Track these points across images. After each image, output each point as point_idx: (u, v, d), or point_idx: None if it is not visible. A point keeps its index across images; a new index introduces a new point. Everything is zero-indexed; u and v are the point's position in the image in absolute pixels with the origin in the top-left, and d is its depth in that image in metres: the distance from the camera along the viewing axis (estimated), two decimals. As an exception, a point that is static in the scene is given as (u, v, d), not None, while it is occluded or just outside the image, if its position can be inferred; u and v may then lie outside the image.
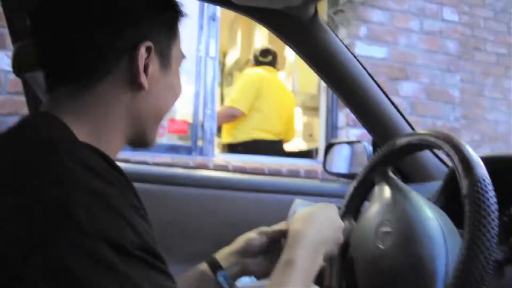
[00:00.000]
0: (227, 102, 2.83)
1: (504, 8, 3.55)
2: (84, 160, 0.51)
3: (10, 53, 2.09)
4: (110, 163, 0.53)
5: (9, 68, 2.08)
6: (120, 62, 0.61)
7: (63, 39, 0.61)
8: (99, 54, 0.61)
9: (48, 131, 0.55)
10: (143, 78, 0.62)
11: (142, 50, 0.61)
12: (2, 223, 0.47)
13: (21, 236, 0.46)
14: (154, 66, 0.64)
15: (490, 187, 0.60)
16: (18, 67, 0.96)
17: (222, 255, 0.83)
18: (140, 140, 0.69)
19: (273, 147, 2.90)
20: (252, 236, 0.83)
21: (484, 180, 0.60)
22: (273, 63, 3.06)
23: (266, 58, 3.04)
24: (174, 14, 0.68)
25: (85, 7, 0.61)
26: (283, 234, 0.78)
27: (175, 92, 0.70)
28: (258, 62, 3.06)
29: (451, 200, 0.91)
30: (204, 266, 0.82)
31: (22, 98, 2.12)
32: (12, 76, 2.15)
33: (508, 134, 3.43)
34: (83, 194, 0.48)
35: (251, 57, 3.18)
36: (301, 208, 0.80)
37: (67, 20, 0.61)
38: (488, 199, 0.58)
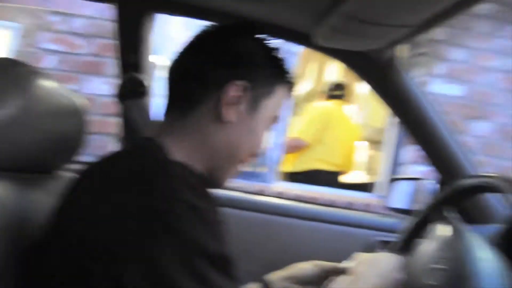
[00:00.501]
0: (294, 133, 2.90)
1: None
2: (186, 179, 0.59)
3: (104, 79, 2.35)
4: (203, 182, 0.63)
5: (101, 92, 2.33)
6: (211, 94, 0.71)
7: (180, 73, 0.75)
8: (197, 84, 0.72)
9: (158, 153, 0.64)
10: (226, 111, 0.70)
11: (231, 87, 0.70)
12: (111, 222, 0.55)
13: (122, 240, 0.54)
14: (243, 106, 0.72)
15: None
16: (123, 94, 1.11)
17: (275, 277, 0.90)
18: (213, 177, 0.75)
19: (332, 178, 2.93)
20: (306, 266, 0.90)
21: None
22: (343, 96, 3.10)
23: (337, 91, 3.10)
24: (273, 74, 0.76)
25: (206, 45, 0.75)
26: (338, 272, 0.84)
27: (254, 138, 0.75)
28: (329, 96, 3.12)
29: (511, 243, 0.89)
30: (256, 286, 0.90)
31: (109, 119, 2.34)
32: (104, 99, 2.39)
33: None
34: (183, 207, 0.55)
35: (323, 90, 3.25)
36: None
37: (186, 58, 0.75)
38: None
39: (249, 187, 2.51)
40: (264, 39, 0.78)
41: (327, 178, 2.92)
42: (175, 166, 0.62)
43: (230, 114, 0.71)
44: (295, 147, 2.96)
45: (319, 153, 2.93)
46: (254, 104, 0.73)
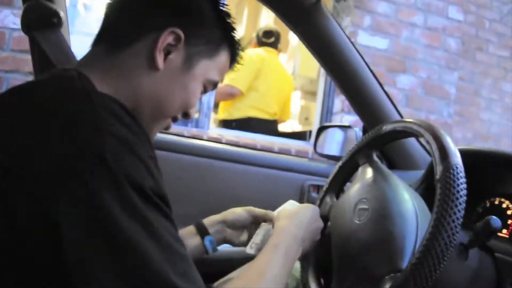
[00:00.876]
0: (226, 81, 2.86)
1: (510, 11, 3.56)
2: (113, 110, 0.55)
3: (16, 11, 2.13)
4: (132, 116, 0.58)
5: (14, 26, 2.12)
6: (146, 37, 0.67)
7: (122, 8, 0.70)
8: (131, 23, 0.68)
9: (80, 83, 0.59)
10: (159, 59, 0.67)
11: (170, 34, 0.67)
12: (32, 160, 0.51)
13: (52, 173, 0.50)
14: (176, 58, 0.69)
15: (462, 174, 0.65)
16: (27, 25, 0.98)
17: (210, 221, 0.93)
18: None
19: (267, 126, 2.95)
20: (240, 211, 0.94)
21: (457, 167, 0.65)
22: (275, 45, 3.08)
23: (269, 39, 3.06)
24: (218, 37, 0.73)
25: None
26: (267, 219, 0.91)
27: (186, 95, 0.71)
28: (260, 43, 3.07)
29: (431, 188, 0.96)
30: (191, 229, 0.91)
31: (24, 56, 2.15)
32: (16, 34, 2.18)
33: (500, 135, 3.48)
34: (113, 140, 0.52)
35: (254, 37, 3.19)
36: (290, 207, 0.91)
37: None
38: (458, 185, 0.63)
39: (184, 132, 2.48)
40: (221, 1, 0.75)
41: (262, 126, 2.93)
42: (101, 96, 0.58)
43: (161, 61, 0.67)
44: (228, 95, 2.92)
45: (253, 100, 2.93)
46: (190, 60, 0.70)
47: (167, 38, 0.67)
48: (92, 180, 0.49)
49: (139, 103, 0.68)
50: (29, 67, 2.01)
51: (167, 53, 0.68)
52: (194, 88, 0.72)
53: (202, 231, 0.91)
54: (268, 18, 4.40)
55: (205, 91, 0.76)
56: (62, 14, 0.98)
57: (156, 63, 0.67)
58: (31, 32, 0.98)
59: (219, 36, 0.74)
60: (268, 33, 3.07)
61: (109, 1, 0.72)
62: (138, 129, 0.57)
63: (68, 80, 0.60)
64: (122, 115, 0.56)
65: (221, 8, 0.75)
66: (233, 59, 0.79)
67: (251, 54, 3.02)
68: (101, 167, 0.50)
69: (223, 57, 0.75)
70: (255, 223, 0.93)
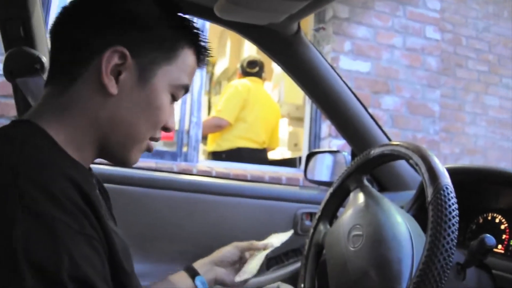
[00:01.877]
0: (214, 113, 2.88)
1: (486, 27, 3.66)
2: (45, 183, 0.51)
3: (1, 57, 2.14)
4: (77, 184, 0.54)
5: (-2, 72, 2.13)
6: (90, 65, 0.62)
7: (58, 38, 0.66)
8: (76, 53, 0.63)
9: (20, 148, 0.54)
10: (110, 83, 0.61)
11: (112, 54, 0.61)
12: None
13: None
14: (128, 76, 0.63)
15: (452, 195, 0.65)
16: (10, 72, 0.98)
17: (199, 264, 0.95)
18: (112, 156, 0.67)
19: (256, 155, 2.96)
20: (227, 248, 0.96)
21: (447, 188, 0.65)
22: (259, 74, 3.12)
23: (253, 69, 3.10)
24: (170, 36, 0.66)
25: (81, 9, 0.65)
26: (252, 249, 0.95)
27: (152, 111, 0.65)
28: (245, 73, 3.11)
29: (423, 208, 0.96)
30: (181, 273, 0.92)
31: (9, 101, 2.15)
32: (0, 79, 2.18)
33: (487, 148, 3.52)
34: (28, 218, 0.47)
35: (238, 68, 3.23)
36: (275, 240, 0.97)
37: (65, 20, 0.65)
38: (449, 206, 0.63)
39: (173, 167, 2.47)
40: None
41: (252, 155, 2.93)
42: (35, 161, 0.53)
43: (112, 85, 0.62)
44: (216, 127, 2.93)
45: (241, 131, 2.94)
46: (144, 73, 0.64)
47: (111, 60, 0.61)
48: None
49: (105, 135, 0.64)
50: (14, 111, 2.00)
51: (118, 74, 0.62)
52: (160, 102, 0.66)
53: (193, 273, 0.91)
54: (251, 49, 4.47)
55: (175, 98, 0.69)
56: (44, 59, 0.98)
57: (108, 89, 0.61)
58: (14, 79, 0.98)
59: (172, 35, 0.67)
60: (252, 63, 3.12)
61: (50, 31, 0.67)
62: (73, 203, 0.52)
63: (3, 144, 0.55)
64: (55, 189, 0.51)
65: (163, 3, 0.67)
66: (200, 53, 0.72)
67: (237, 85, 3.06)
68: (5, 249, 0.46)
69: (185, 56, 0.68)
70: (242, 257, 0.96)
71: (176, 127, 2.71)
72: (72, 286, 0.48)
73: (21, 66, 0.97)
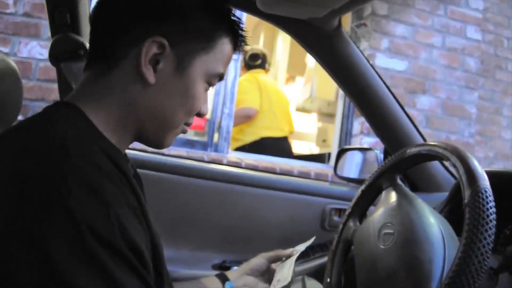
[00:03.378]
0: (238, 105, 2.90)
1: (528, 29, 3.54)
2: (91, 158, 0.53)
3: (42, 42, 2.21)
4: (116, 163, 0.56)
5: (40, 57, 2.19)
6: (131, 52, 0.63)
7: (99, 24, 0.67)
8: (113, 40, 0.64)
9: (65, 127, 0.56)
10: (148, 73, 0.62)
11: (152, 45, 0.62)
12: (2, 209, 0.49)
13: (12, 222, 0.48)
14: (167, 65, 0.64)
15: (490, 198, 0.63)
16: (55, 57, 1.02)
17: (230, 271, 0.98)
18: (148, 140, 0.69)
19: (280, 144, 2.96)
20: (256, 260, 0.98)
21: (486, 191, 0.64)
22: (263, 65, 3.16)
23: (256, 61, 3.13)
24: (209, 27, 0.67)
25: None
26: (281, 256, 0.97)
27: (188, 99, 0.67)
28: (248, 66, 3.15)
29: (455, 210, 0.95)
30: (212, 277, 0.95)
31: (50, 85, 2.22)
32: (42, 64, 2.25)
33: (522, 154, 3.42)
34: (80, 187, 0.50)
35: (241, 61, 3.26)
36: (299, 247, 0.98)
37: (106, 7, 0.66)
38: (487, 209, 0.62)
39: (203, 157, 2.50)
40: None
41: (276, 144, 2.93)
42: (80, 139, 0.55)
43: (151, 75, 0.63)
44: (246, 117, 2.93)
45: (261, 121, 2.95)
46: (182, 63, 0.65)
47: (150, 49, 0.62)
48: (51, 233, 0.47)
49: (142, 122, 0.65)
50: (55, 95, 2.08)
51: (156, 64, 0.63)
52: (195, 90, 0.67)
53: (223, 278, 0.94)
54: (284, 42, 4.46)
55: (210, 85, 0.70)
56: (87, 46, 1.02)
57: (146, 78, 0.62)
58: (58, 63, 1.01)
59: (210, 25, 0.67)
60: (254, 56, 3.15)
61: (92, 14, 0.68)
62: (117, 176, 0.54)
63: (49, 124, 0.57)
64: (101, 163, 0.53)
65: None
66: (237, 41, 0.72)
67: (246, 78, 3.08)
68: (63, 218, 0.48)
69: (222, 45, 0.68)
70: (270, 267, 0.98)
71: (208, 116, 2.74)
72: (127, 251, 0.50)
73: (66, 52, 1.00)
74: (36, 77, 2.18)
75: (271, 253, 0.99)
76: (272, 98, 3.02)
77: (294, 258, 0.94)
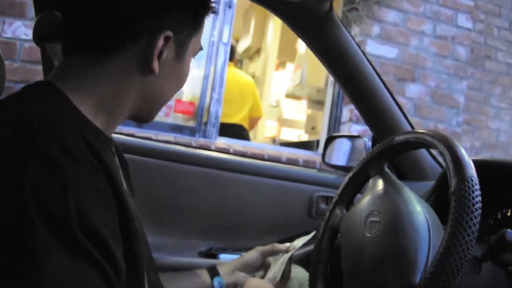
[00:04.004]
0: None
1: (519, 18, 3.55)
2: (60, 138, 0.51)
3: (27, 22, 2.16)
4: (92, 147, 0.55)
5: (25, 37, 2.14)
6: (138, 43, 0.63)
7: (93, 9, 0.63)
8: (122, 30, 0.63)
9: (39, 106, 0.56)
10: (155, 64, 0.63)
11: (161, 39, 0.63)
12: None
13: None
14: (169, 54, 0.65)
15: (476, 187, 0.63)
16: (39, 36, 0.99)
17: (222, 265, 0.95)
18: (141, 118, 0.71)
19: (235, 130, 3.01)
20: (250, 254, 0.96)
21: (472, 180, 0.64)
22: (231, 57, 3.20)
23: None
24: (202, 9, 0.69)
25: None
26: (275, 251, 0.94)
27: (182, 80, 0.71)
28: None
29: (442, 199, 0.95)
30: (203, 270, 0.93)
31: (35, 67, 2.18)
32: (27, 45, 2.20)
33: (509, 144, 3.45)
34: (39, 166, 0.48)
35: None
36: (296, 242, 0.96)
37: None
38: (473, 198, 0.62)
39: (191, 143, 2.49)
40: None
41: (230, 130, 2.98)
42: (53, 119, 0.54)
43: (157, 66, 0.64)
44: None
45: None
46: (181, 48, 0.67)
47: (159, 43, 0.63)
48: (1, 212, 0.46)
49: (139, 106, 0.67)
50: (40, 77, 2.03)
51: (161, 54, 0.64)
52: (188, 69, 0.71)
53: (213, 273, 0.92)
54: (275, 28, 4.42)
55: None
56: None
57: (153, 68, 0.64)
58: (43, 44, 0.98)
59: (202, 9, 0.69)
60: None
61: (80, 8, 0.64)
62: (89, 160, 0.53)
63: (24, 102, 0.57)
64: (70, 143, 0.52)
65: None
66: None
67: None
68: (15, 198, 0.47)
69: (203, 24, 0.71)
70: (266, 261, 0.95)
71: (197, 101, 2.72)
72: (81, 236, 0.47)
73: (51, 31, 0.97)
74: (20, 58, 2.13)
75: (267, 247, 0.96)
76: (231, 89, 3.03)
77: (288, 255, 0.92)
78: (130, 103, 0.66)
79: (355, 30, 2.94)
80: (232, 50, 3.16)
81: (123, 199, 0.58)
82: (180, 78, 0.70)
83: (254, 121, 3.35)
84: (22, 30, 2.12)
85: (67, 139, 0.52)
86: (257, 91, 3.37)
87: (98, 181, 0.53)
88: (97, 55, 0.63)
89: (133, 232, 0.59)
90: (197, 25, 0.69)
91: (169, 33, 0.63)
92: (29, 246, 0.45)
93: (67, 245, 0.47)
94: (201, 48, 0.73)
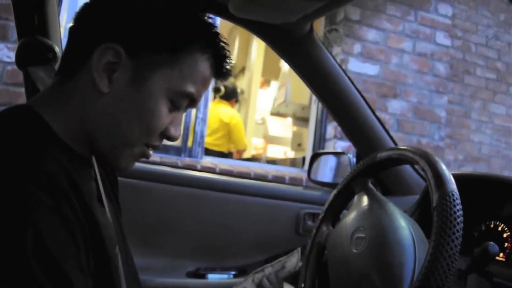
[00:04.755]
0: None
1: (496, 35, 3.65)
2: (29, 163, 0.51)
3: (10, 45, 2.15)
4: (67, 174, 0.54)
5: (8, 60, 2.13)
6: (87, 59, 0.60)
7: (70, 31, 0.64)
8: (75, 47, 0.63)
9: (14, 130, 0.55)
10: (98, 77, 0.59)
11: (105, 51, 0.59)
12: None
13: None
14: (122, 75, 0.60)
15: (457, 201, 0.65)
16: (22, 60, 0.99)
17: None
18: (102, 155, 0.65)
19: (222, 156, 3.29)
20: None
21: (453, 194, 0.65)
22: (226, 98, 3.59)
23: (219, 93, 3.56)
24: (175, 37, 0.62)
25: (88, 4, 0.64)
26: None
27: (143, 116, 0.61)
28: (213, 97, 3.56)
29: (426, 213, 0.96)
30: None
31: (18, 89, 2.16)
32: (10, 67, 2.19)
33: (491, 156, 3.52)
34: (2, 192, 0.48)
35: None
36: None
37: (78, 14, 0.64)
38: (455, 212, 0.63)
39: (177, 163, 2.48)
40: None
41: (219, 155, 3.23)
42: (26, 143, 0.54)
43: (103, 83, 0.59)
44: None
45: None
46: (140, 75, 0.60)
47: (103, 56, 0.59)
48: None
49: (94, 132, 0.61)
50: (22, 99, 2.01)
51: (112, 72, 0.60)
52: (154, 107, 0.61)
53: None
54: (259, 47, 4.47)
55: (175, 106, 0.63)
56: (57, 49, 0.99)
57: (97, 85, 0.59)
58: (26, 67, 0.98)
59: (178, 35, 0.61)
60: (217, 89, 3.56)
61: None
62: (58, 187, 0.51)
63: (2, 125, 0.57)
64: (37, 169, 0.51)
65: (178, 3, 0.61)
66: (216, 62, 0.65)
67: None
68: None
69: (193, 62, 0.62)
70: None
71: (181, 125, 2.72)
72: (35, 265, 0.46)
73: (34, 55, 0.97)
74: (3, 80, 2.12)
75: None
76: (225, 127, 3.47)
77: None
78: (89, 127, 0.62)
79: (336, 49, 3.00)
80: (234, 91, 3.56)
81: (94, 220, 0.57)
82: (140, 112, 0.61)
83: (240, 153, 3.67)
84: (4, 52, 2.12)
85: (38, 167, 0.51)
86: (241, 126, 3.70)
87: (64, 209, 0.51)
88: (62, 75, 0.63)
89: (107, 253, 0.58)
90: (169, 56, 0.61)
91: (116, 46, 0.59)
92: None
93: (17, 273, 0.45)
94: (191, 97, 0.64)
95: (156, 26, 0.60)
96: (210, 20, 0.65)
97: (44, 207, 0.49)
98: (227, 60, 0.67)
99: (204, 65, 0.64)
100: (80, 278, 0.50)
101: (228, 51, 0.66)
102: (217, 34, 0.65)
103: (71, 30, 0.64)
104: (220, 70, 0.67)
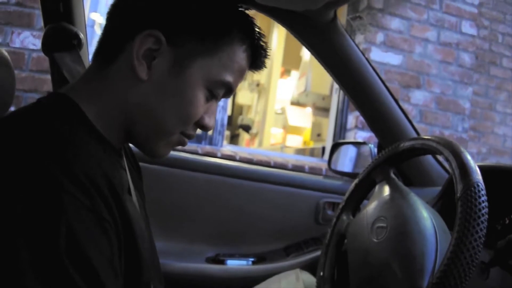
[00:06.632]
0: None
1: (524, 25, 3.55)
2: (66, 161, 0.49)
3: (35, 32, 2.19)
4: (105, 174, 0.52)
5: (33, 47, 2.17)
6: (127, 46, 0.60)
7: (108, 17, 0.64)
8: (115, 33, 0.62)
9: (50, 123, 0.54)
10: (137, 64, 0.59)
11: (146, 38, 0.59)
12: None
13: None
14: (161, 63, 0.60)
15: (483, 192, 0.64)
16: (48, 47, 1.00)
17: None
18: (139, 144, 0.64)
19: None
20: None
21: (478, 185, 0.64)
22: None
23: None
24: (216, 27, 0.62)
25: None
26: None
27: (180, 104, 0.61)
28: None
29: (448, 205, 0.95)
30: None
31: (43, 76, 2.20)
32: (35, 54, 2.23)
33: (515, 150, 3.45)
34: (35, 191, 0.46)
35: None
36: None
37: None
38: (479, 203, 0.62)
39: (197, 150, 2.50)
40: None
41: None
42: (62, 138, 0.52)
43: (142, 70, 0.59)
44: None
45: None
46: (180, 63, 0.60)
47: (144, 43, 0.58)
48: None
49: (132, 121, 0.61)
50: (48, 86, 2.06)
51: (152, 60, 0.60)
52: (192, 95, 0.61)
53: None
54: (280, 37, 4.44)
55: (213, 95, 0.64)
56: (82, 36, 1.00)
57: (137, 73, 0.59)
58: (52, 54, 1.00)
59: (219, 26, 0.61)
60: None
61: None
62: (93, 185, 0.50)
63: (37, 117, 0.55)
64: (73, 166, 0.49)
65: None
66: (253, 53, 0.65)
67: None
68: (4, 224, 0.45)
69: (232, 52, 0.62)
70: None
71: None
72: (69, 264, 0.45)
73: (59, 41, 0.99)
74: (29, 67, 2.16)
75: None
76: None
77: None
78: (126, 116, 0.61)
79: (359, 38, 2.95)
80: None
81: (129, 221, 0.56)
82: (179, 100, 0.61)
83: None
84: (30, 40, 2.15)
85: (75, 164, 0.50)
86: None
87: (99, 208, 0.50)
88: (98, 62, 0.62)
89: (138, 248, 0.58)
90: (209, 45, 0.61)
91: (157, 33, 0.58)
92: (8, 265, 0.44)
93: (49, 270, 0.44)
94: (227, 87, 0.64)
95: (199, 14, 0.60)
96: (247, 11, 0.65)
97: (79, 206, 0.48)
98: (264, 52, 0.67)
99: (242, 55, 0.64)
100: (112, 278, 0.50)
101: (266, 42, 0.67)
102: (255, 25, 0.65)
103: (110, 16, 0.63)
104: (256, 61, 0.67)
